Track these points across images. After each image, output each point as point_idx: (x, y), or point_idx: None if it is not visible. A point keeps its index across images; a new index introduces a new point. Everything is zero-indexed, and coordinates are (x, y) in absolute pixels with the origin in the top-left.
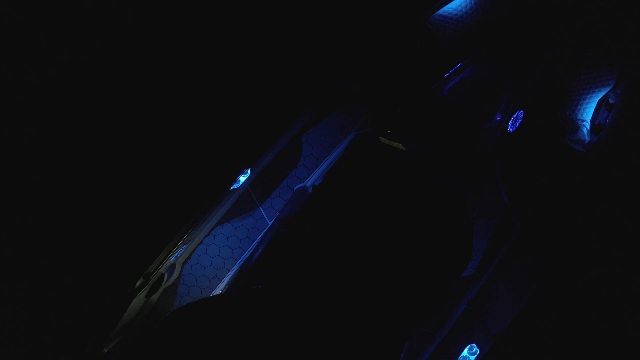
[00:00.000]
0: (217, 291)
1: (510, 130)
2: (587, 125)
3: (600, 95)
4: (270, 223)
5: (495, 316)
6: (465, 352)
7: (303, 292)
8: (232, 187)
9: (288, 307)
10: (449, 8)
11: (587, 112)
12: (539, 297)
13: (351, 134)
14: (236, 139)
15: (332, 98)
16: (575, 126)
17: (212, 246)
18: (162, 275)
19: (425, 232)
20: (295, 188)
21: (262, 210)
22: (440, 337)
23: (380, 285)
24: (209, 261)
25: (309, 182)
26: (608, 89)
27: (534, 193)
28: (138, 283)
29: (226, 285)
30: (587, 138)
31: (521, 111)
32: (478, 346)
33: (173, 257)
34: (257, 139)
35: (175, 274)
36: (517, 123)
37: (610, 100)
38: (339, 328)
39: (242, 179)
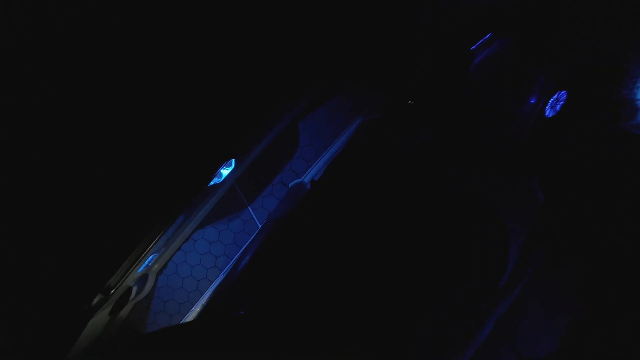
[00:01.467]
0: (198, 307)
1: (549, 115)
2: None
3: None
4: (260, 226)
5: (528, 339)
6: None
7: (296, 322)
8: (212, 183)
9: (274, 344)
10: None
11: None
12: (583, 319)
13: (357, 120)
14: (217, 122)
15: (333, 78)
16: (635, 108)
17: (192, 253)
18: (130, 288)
19: (453, 245)
20: (290, 184)
21: (251, 211)
22: None
23: (397, 317)
24: (188, 271)
25: (307, 178)
26: None
27: (577, 191)
28: (96, 300)
29: (207, 301)
30: None
31: (563, 92)
32: None
33: (142, 267)
34: (244, 123)
35: (148, 287)
36: (558, 106)
37: None
38: None
39: (225, 172)
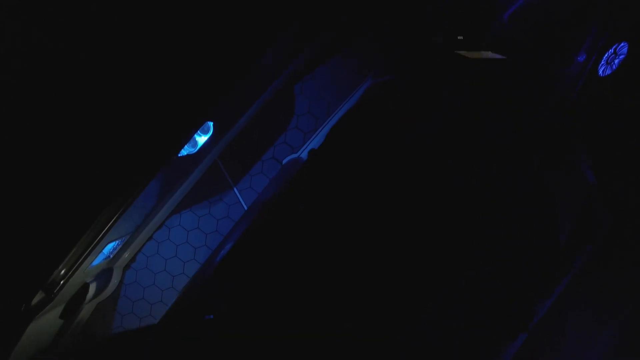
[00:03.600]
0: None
1: (604, 74)
2: None
3: None
4: (246, 209)
5: (574, 346)
6: None
7: (276, 328)
8: (184, 153)
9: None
10: None
11: None
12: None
13: (366, 81)
14: (184, 72)
15: (337, 33)
16: None
17: (166, 243)
18: (86, 285)
19: (452, 233)
20: (284, 161)
21: (237, 192)
22: None
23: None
24: (161, 265)
25: (304, 152)
26: None
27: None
28: (37, 299)
29: (176, 299)
30: None
31: (623, 44)
32: None
33: (99, 259)
34: (219, 72)
35: (113, 284)
36: (617, 62)
37: None
38: None
39: (201, 139)
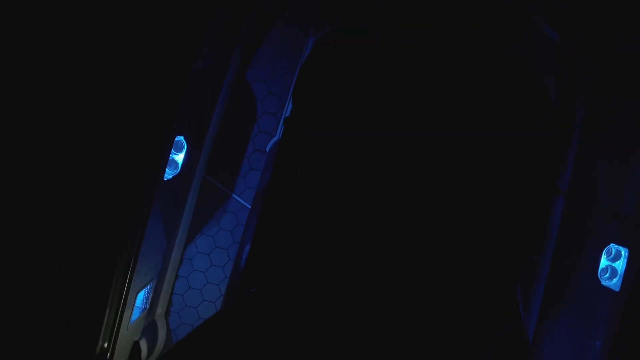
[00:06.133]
0: None
1: None
2: None
3: None
4: (250, 207)
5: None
6: None
7: (310, 285)
8: (169, 176)
9: (290, 309)
10: None
11: None
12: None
13: (309, 41)
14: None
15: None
16: None
17: (193, 275)
18: (137, 344)
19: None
20: (267, 148)
21: (237, 198)
22: None
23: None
24: (198, 297)
25: (282, 133)
26: None
27: None
28: None
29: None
30: None
31: None
32: None
33: (137, 313)
34: (169, 87)
35: (161, 335)
36: None
37: None
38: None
39: (179, 157)
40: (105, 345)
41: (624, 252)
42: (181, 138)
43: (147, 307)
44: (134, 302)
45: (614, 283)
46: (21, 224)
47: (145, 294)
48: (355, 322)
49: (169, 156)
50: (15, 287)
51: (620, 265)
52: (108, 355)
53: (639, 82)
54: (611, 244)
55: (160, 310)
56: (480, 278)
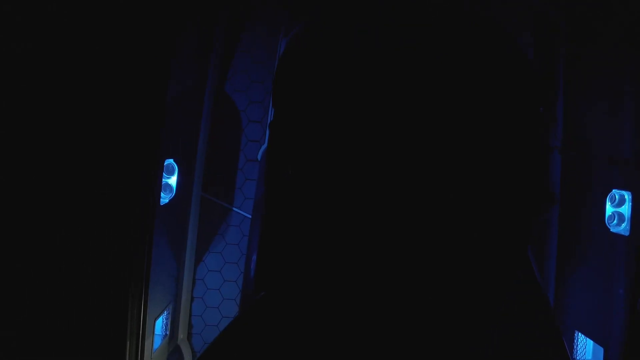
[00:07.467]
0: None
1: None
2: None
3: None
4: (250, 217)
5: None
6: None
7: (318, 284)
8: (165, 201)
9: (296, 309)
10: None
11: None
12: None
13: (281, 42)
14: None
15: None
16: None
17: (208, 294)
18: None
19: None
20: (259, 156)
21: (237, 210)
22: None
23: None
24: (217, 315)
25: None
26: None
27: None
28: None
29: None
30: None
31: None
32: None
33: (159, 340)
34: (150, 114)
35: (187, 358)
36: None
37: None
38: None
39: (172, 180)
40: None
41: (627, 195)
42: (171, 161)
43: (167, 333)
44: (153, 330)
45: (623, 228)
46: (21, 268)
47: (163, 321)
48: (364, 320)
49: (161, 180)
50: (32, 334)
51: (626, 209)
52: None
53: (615, 25)
54: (613, 190)
55: (182, 335)
56: (490, 247)
